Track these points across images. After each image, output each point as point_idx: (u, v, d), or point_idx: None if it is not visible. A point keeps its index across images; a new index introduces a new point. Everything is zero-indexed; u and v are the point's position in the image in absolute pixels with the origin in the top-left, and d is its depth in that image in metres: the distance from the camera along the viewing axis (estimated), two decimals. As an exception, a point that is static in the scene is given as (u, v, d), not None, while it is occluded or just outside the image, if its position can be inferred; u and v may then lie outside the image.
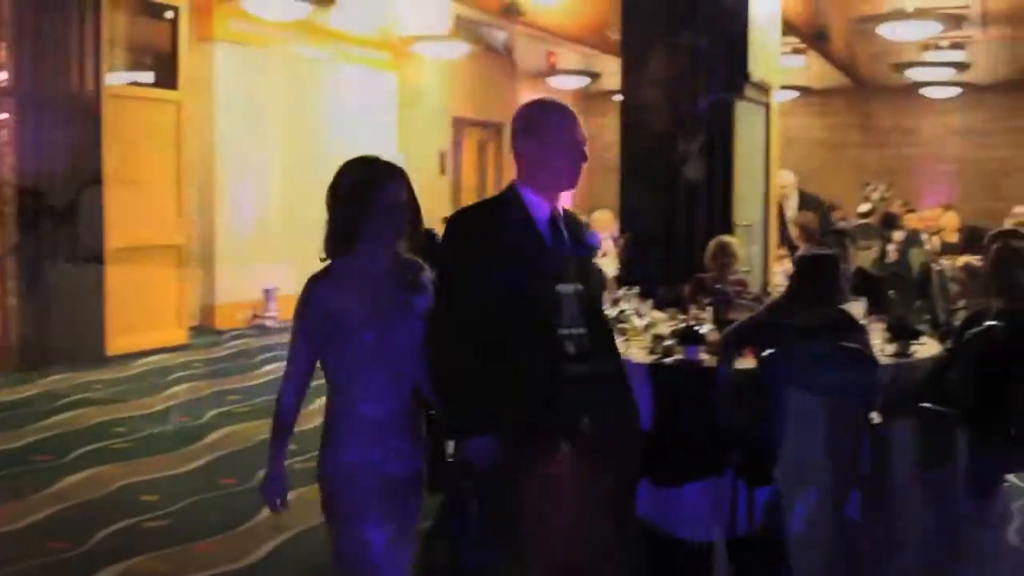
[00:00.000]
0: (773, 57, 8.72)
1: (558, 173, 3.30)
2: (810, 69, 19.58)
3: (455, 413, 3.23)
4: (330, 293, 3.14)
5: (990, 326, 5.14)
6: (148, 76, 11.38)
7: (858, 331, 4.96)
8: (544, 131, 3.31)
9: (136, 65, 11.35)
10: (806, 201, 10.48)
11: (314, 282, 3.17)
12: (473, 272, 3.21)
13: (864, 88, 20.51)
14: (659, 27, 7.65)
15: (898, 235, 14.49)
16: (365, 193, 3.15)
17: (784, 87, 18.70)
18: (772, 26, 8.59)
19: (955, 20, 13.14)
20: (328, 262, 3.22)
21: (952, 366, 5.31)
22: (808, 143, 17.43)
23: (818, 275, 5.00)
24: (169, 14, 11.17)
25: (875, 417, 4.85)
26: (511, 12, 12.72)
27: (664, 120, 7.49)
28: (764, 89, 8.29)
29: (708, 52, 7.59)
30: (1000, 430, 4.95)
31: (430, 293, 3.22)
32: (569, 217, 3.40)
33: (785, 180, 10.49)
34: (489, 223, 3.32)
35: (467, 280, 3.21)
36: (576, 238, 3.36)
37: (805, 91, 19.87)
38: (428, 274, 3.27)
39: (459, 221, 3.40)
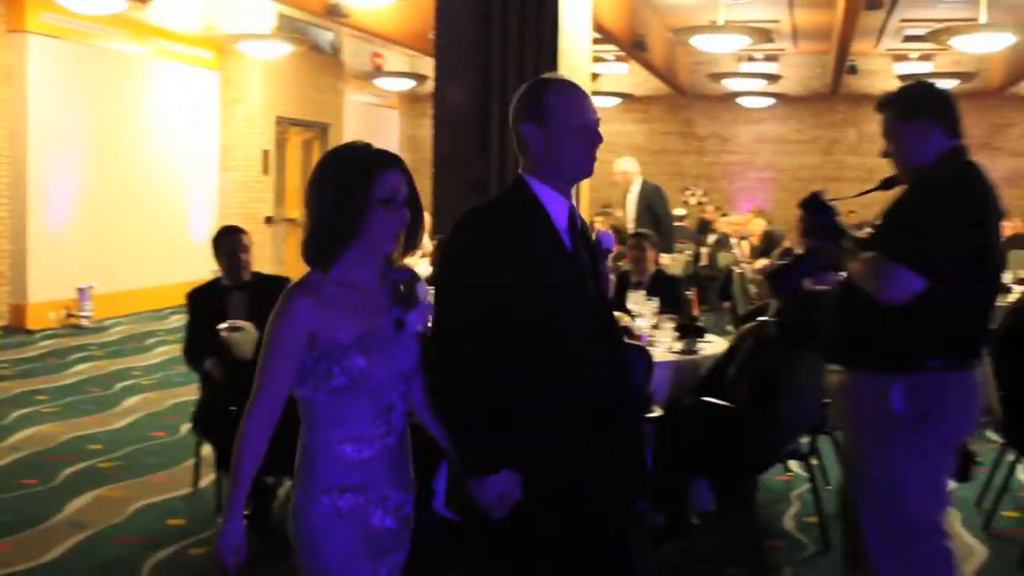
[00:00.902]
0: (584, 64, 8.98)
1: (574, 163, 2.89)
2: (632, 76, 20.21)
3: (468, 447, 2.79)
4: (314, 308, 2.60)
5: (761, 322, 5.48)
6: (-45, 68, 11.08)
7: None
8: (552, 115, 2.87)
9: (-58, 56, 11.03)
10: (647, 191, 10.46)
11: (294, 295, 2.63)
12: (487, 284, 2.78)
13: (684, 96, 21.22)
14: (470, 31, 7.82)
15: (711, 239, 15.18)
16: (355, 187, 2.62)
17: (606, 93, 19.33)
18: (583, 33, 8.84)
19: (764, 34, 13.73)
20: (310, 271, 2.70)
21: (731, 362, 5.64)
22: (629, 148, 17.89)
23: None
24: (-23, 5, 10.89)
25: (656, 411, 5.11)
26: (335, 13, 12.77)
27: (474, 123, 7.67)
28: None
29: (518, 56, 7.79)
30: (773, 422, 5.25)
31: (425, 308, 2.77)
32: (578, 215, 2.99)
33: (627, 167, 10.43)
34: (504, 227, 2.85)
35: (480, 293, 2.79)
36: (589, 239, 3.00)
37: (627, 97, 20.46)
38: (424, 285, 2.79)
39: (468, 225, 2.91)
